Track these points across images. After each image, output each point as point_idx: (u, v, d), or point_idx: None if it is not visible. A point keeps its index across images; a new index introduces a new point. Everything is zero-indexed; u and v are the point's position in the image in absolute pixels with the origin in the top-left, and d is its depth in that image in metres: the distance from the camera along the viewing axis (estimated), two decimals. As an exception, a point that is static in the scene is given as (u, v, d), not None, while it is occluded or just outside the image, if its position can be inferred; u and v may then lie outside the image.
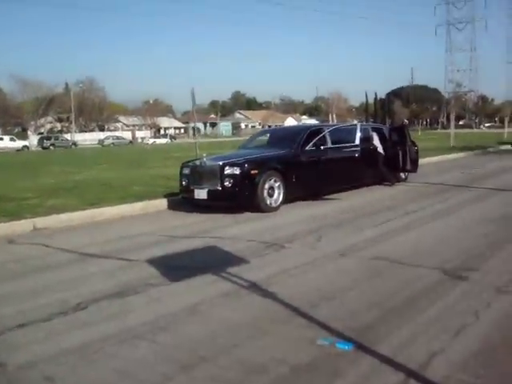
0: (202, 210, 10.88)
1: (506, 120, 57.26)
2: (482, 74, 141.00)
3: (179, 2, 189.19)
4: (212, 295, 5.37)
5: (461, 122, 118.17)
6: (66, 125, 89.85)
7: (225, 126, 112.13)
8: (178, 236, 8.56)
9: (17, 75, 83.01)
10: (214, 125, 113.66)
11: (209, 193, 10.58)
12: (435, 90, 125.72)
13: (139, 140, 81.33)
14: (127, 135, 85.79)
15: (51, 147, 65.13)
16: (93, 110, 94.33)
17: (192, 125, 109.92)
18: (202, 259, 6.98)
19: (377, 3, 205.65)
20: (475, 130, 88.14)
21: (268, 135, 14.27)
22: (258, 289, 5.48)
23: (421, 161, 21.37)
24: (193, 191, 10.86)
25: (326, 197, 12.07)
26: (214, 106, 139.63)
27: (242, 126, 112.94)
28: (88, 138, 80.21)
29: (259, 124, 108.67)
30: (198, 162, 11.14)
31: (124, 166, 24.28)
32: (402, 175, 15.01)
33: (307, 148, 11.74)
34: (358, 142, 12.36)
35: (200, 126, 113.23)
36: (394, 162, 14.26)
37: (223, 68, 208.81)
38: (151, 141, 75.69)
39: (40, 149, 64.91)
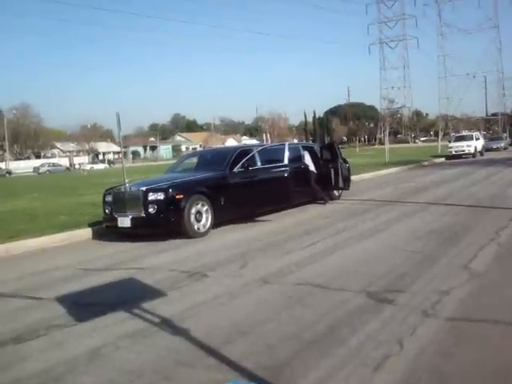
0: (128, 238, 10.37)
1: (440, 134, 58.89)
2: (416, 89, 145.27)
3: (113, 25, 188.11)
4: (118, 336, 4.90)
5: (398, 137, 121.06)
6: (0, 153, 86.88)
7: (165, 149, 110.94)
8: (97, 268, 8.06)
9: None
10: (154, 148, 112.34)
11: (132, 220, 10.09)
12: (371, 107, 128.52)
13: (77, 166, 79.41)
14: (64, 162, 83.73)
15: (-17, 176, 62.81)
16: (28, 137, 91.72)
17: (132, 148, 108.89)
18: (117, 294, 6.50)
19: (310, 23, 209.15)
20: (411, 145, 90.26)
21: (196, 158, 13.88)
22: (170, 326, 5.06)
23: (355, 177, 21.62)
24: (116, 219, 10.34)
25: (258, 218, 11.77)
26: (154, 128, 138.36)
27: (183, 148, 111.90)
28: (23, 166, 77.75)
29: (200, 146, 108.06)
30: (120, 189, 10.63)
31: (55, 194, 23.47)
32: (336, 193, 14.89)
33: (235, 170, 11.41)
34: (286, 161, 12.12)
35: (140, 149, 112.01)
36: (325, 180, 14.12)
37: (162, 91, 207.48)
38: (88, 167, 73.98)
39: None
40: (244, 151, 12.07)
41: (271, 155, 12.70)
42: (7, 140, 79.88)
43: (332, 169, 14.10)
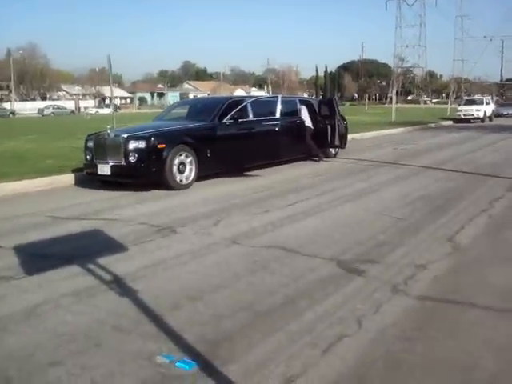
0: (110, 186, 9.97)
1: (452, 96, 57.72)
2: (431, 50, 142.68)
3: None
4: (63, 293, 4.54)
5: (409, 98, 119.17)
6: (6, 93, 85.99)
7: (173, 97, 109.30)
8: (68, 217, 7.67)
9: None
10: (161, 95, 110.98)
11: (112, 168, 9.66)
12: (385, 65, 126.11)
13: (82, 110, 78.62)
14: (70, 105, 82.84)
15: (-13, 116, 62.19)
16: (34, 77, 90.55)
17: (139, 94, 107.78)
18: (77, 246, 6.11)
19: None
20: (421, 106, 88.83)
21: (187, 106, 13.32)
22: (120, 285, 4.69)
23: (356, 135, 21.09)
24: (96, 166, 9.91)
25: (247, 173, 11.32)
26: (163, 75, 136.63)
27: (191, 96, 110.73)
28: (28, 108, 76.92)
29: (208, 95, 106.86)
30: (102, 135, 10.15)
31: (53, 137, 23.01)
32: (332, 151, 14.38)
33: (224, 121, 10.88)
34: (278, 115, 11.56)
35: (147, 95, 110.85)
36: (322, 136, 13.58)
37: (173, 38, 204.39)
38: (94, 111, 73.27)
39: (-26, 116, 61.95)
40: (235, 102, 11.50)
41: (264, 108, 12.14)
42: (13, 80, 78.82)
43: (329, 125, 13.54)
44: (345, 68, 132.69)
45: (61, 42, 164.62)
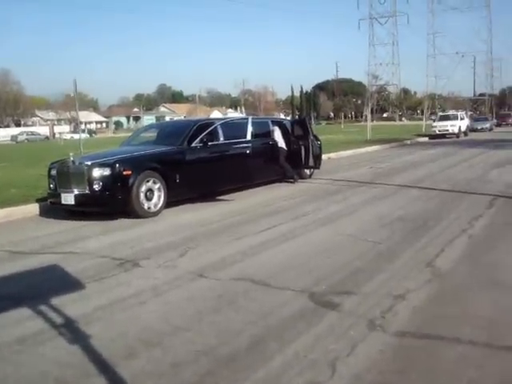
0: (76, 216, 9.50)
1: (426, 112, 58.16)
2: (404, 67, 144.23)
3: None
4: (6, 341, 4.11)
5: (385, 115, 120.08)
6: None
7: (148, 120, 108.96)
8: (24, 251, 7.22)
9: None
10: (137, 118, 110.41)
11: (76, 197, 9.21)
12: (359, 84, 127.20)
13: (57, 135, 77.71)
14: (45, 130, 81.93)
15: (-41, 144, 61.12)
16: (7, 104, 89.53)
17: (115, 118, 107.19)
18: (30, 285, 5.67)
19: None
20: (397, 123, 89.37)
21: (155, 130, 12.94)
22: (72, 330, 4.27)
23: (333, 155, 20.88)
24: (60, 195, 9.45)
25: (219, 197, 10.94)
26: (139, 99, 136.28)
27: (167, 119, 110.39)
28: (2, 135, 75.89)
29: (184, 117, 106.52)
30: (65, 163, 9.70)
31: (22, 164, 22.42)
32: (307, 172, 14.06)
33: (194, 144, 10.50)
34: (249, 137, 11.22)
35: (123, 119, 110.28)
36: (296, 157, 13.28)
37: (149, 61, 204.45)
38: (68, 136, 72.48)
39: None
40: (204, 125, 11.14)
41: (234, 130, 11.78)
42: (-15, 107, 77.94)
43: (302, 146, 13.25)
44: (320, 87, 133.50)
45: (34, 68, 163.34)
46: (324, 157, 19.30)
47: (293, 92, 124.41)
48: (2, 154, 34.97)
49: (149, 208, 9.33)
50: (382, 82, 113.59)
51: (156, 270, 5.93)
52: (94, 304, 4.86)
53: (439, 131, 36.28)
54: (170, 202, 9.80)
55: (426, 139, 35.38)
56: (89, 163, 9.27)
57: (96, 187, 9.04)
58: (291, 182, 13.30)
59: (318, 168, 13.92)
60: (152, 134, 12.51)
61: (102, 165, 9.18)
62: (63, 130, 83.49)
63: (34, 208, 10.53)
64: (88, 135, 77.47)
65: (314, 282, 5.19)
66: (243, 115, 74.74)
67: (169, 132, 11.88)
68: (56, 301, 4.96)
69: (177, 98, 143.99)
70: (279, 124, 13.76)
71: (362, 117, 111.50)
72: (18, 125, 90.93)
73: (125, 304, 4.84)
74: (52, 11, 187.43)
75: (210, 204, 10.41)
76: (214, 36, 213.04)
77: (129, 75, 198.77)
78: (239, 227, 8.05)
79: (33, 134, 73.45)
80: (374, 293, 4.80)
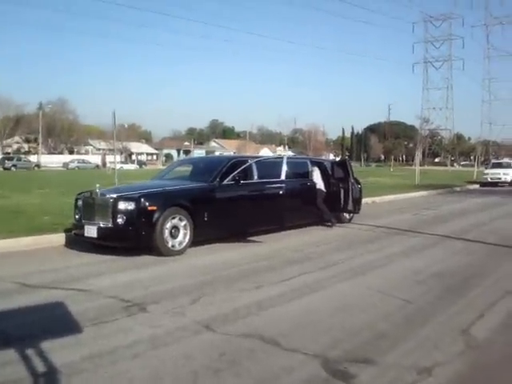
0: (101, 249, 9.18)
1: (479, 159, 56.62)
2: (458, 112, 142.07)
3: (157, 26, 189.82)
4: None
5: (436, 160, 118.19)
6: (34, 146, 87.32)
7: (198, 154, 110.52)
8: (36, 285, 6.89)
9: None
10: (187, 152, 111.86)
11: (99, 230, 8.90)
12: (411, 127, 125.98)
13: (108, 164, 79.12)
14: (96, 159, 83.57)
15: (13, 168, 62.56)
16: (62, 132, 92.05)
17: (165, 151, 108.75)
18: (26, 323, 5.29)
19: (357, 40, 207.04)
20: (448, 168, 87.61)
21: (190, 165, 12.62)
22: (51, 381, 3.84)
23: (377, 198, 20.19)
24: (83, 227, 9.17)
25: (250, 238, 10.46)
26: (191, 133, 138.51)
27: (216, 154, 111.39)
28: (55, 161, 77.71)
29: (234, 153, 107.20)
30: (91, 194, 9.44)
31: (65, 191, 22.53)
32: (346, 216, 13.46)
33: (225, 182, 10.10)
34: (283, 177, 10.76)
35: (173, 152, 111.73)
36: (334, 200, 12.73)
37: (203, 96, 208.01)
38: (118, 166, 73.54)
39: (1, 169, 62.50)
40: (238, 162, 10.73)
41: (269, 169, 11.34)
42: (41, 134, 80.00)
43: (342, 189, 12.71)
44: (371, 129, 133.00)
45: (90, 98, 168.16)
46: (368, 200, 18.78)
47: (343, 132, 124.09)
48: (48, 179, 35.49)
49: (173, 246, 8.93)
50: (432, 126, 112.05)
51: (162, 316, 5.46)
52: (84, 352, 4.42)
53: (491, 179, 35.04)
54: (196, 241, 9.39)
55: (476, 187, 34.22)
56: (114, 196, 8.97)
57: (120, 221, 8.72)
58: (328, 226, 12.72)
59: (357, 212, 13.31)
60: (186, 169, 12.20)
61: (127, 198, 8.87)
62: (114, 160, 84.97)
63: (60, 238, 10.30)
64: (138, 166, 78.71)
65: (331, 344, 4.63)
66: (290, 153, 74.58)
67: (202, 168, 11.54)
68: (46, 344, 4.57)
69: (228, 133, 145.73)
70: (319, 164, 13.28)
71: (412, 160, 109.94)
72: (71, 152, 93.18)
73: (117, 355, 4.38)
74: (109, 44, 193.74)
75: (238, 245, 9.94)
76: (267, 74, 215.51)
77: (183, 109, 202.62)
78: (262, 274, 7.53)
79: (83, 162, 74.89)
80: (397, 364, 4.21)
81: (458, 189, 30.83)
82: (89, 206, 9.27)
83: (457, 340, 4.79)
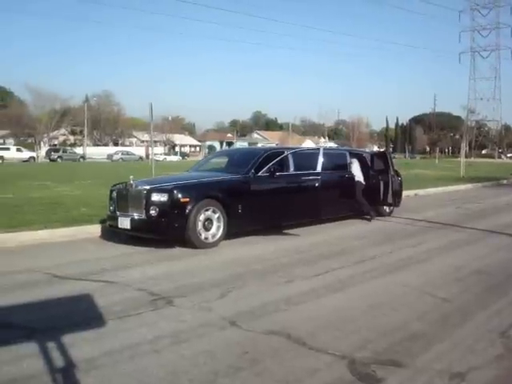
0: (135, 240, 9.15)
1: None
2: (506, 103, 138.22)
3: (201, 18, 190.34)
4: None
5: (483, 151, 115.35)
6: (80, 138, 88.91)
7: (241, 146, 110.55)
8: (66, 276, 6.87)
9: (32, 85, 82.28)
10: (230, 144, 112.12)
11: (132, 222, 8.86)
12: (458, 118, 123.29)
13: (151, 156, 79.85)
14: (140, 151, 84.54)
15: (58, 159, 63.84)
16: (107, 124, 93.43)
17: (208, 143, 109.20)
18: (51, 316, 5.24)
19: (401, 29, 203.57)
20: (496, 160, 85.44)
21: (225, 157, 12.46)
22: (68, 376, 3.80)
23: (420, 191, 19.70)
24: (117, 219, 9.14)
25: (286, 231, 10.27)
26: (234, 125, 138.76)
27: (259, 146, 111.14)
28: (100, 152, 78.91)
29: (276, 144, 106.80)
30: (125, 186, 9.41)
31: (106, 182, 22.76)
32: (386, 209, 13.11)
33: (260, 174, 9.92)
34: (319, 169, 10.48)
35: (216, 144, 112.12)
36: (374, 193, 12.41)
37: (246, 87, 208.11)
38: (161, 157, 74.38)
39: (47, 160, 63.88)
40: (274, 154, 10.50)
41: (305, 161, 11.08)
42: (86, 126, 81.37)
43: (382, 181, 12.38)
44: (416, 120, 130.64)
45: (135, 91, 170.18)
46: (411, 193, 18.36)
47: (388, 124, 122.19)
48: (91, 171, 36.01)
49: (206, 238, 8.81)
50: (479, 117, 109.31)
51: (188, 311, 5.33)
52: (104, 347, 4.34)
53: (540, 171, 33.85)
54: (230, 233, 9.26)
55: (524, 179, 33.10)
56: (147, 187, 8.91)
57: (152, 213, 8.65)
58: (367, 219, 12.42)
59: (398, 206, 12.96)
60: (222, 160, 12.06)
61: (160, 190, 8.79)
62: (157, 152, 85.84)
63: (96, 229, 10.31)
64: (180, 158, 79.28)
65: (360, 344, 4.41)
66: (332, 145, 73.80)
67: (237, 159, 11.37)
68: (68, 338, 4.50)
69: (270, 125, 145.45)
70: (358, 156, 12.96)
71: (458, 152, 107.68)
72: (115, 144, 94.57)
73: (137, 351, 4.27)
74: (156, 38, 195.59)
75: (272, 238, 9.76)
76: (310, 65, 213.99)
77: (226, 101, 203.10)
78: (295, 268, 7.34)
79: (128, 154, 75.86)
80: (428, 368, 3.97)
81: (504, 181, 29.88)
82: (123, 198, 9.24)
83: (495, 343, 4.51)
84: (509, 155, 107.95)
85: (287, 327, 4.81)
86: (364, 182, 12.52)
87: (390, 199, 12.36)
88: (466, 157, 42.34)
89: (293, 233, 10.21)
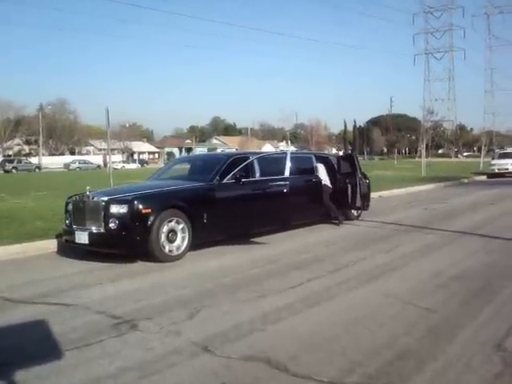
0: (93, 256, 8.55)
1: (483, 150, 55.77)
2: (460, 103, 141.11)
3: (157, 24, 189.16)
4: None
5: (440, 151, 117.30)
6: (35, 147, 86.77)
7: (200, 152, 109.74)
8: (18, 299, 6.31)
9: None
10: (189, 150, 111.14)
11: (90, 236, 8.29)
12: (414, 119, 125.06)
13: (109, 164, 78.50)
14: (98, 159, 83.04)
15: (13, 170, 62.10)
16: (63, 132, 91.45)
17: (167, 149, 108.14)
18: (1, 348, 4.65)
19: (355, 32, 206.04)
20: (453, 160, 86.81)
21: (188, 163, 11.96)
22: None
23: (385, 193, 19.57)
24: (74, 233, 8.55)
25: (254, 239, 9.84)
26: (193, 130, 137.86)
27: (218, 151, 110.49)
28: (56, 162, 77.19)
29: (236, 150, 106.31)
30: (81, 197, 8.82)
31: (62, 193, 21.90)
32: (354, 212, 12.80)
33: (225, 181, 9.46)
34: (287, 173, 10.06)
35: (175, 150, 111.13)
36: (341, 197, 12.09)
37: (204, 93, 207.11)
38: (119, 166, 73.16)
39: (1, 171, 62.01)
40: (239, 159, 10.06)
41: (271, 165, 10.66)
42: (41, 135, 79.48)
43: (349, 184, 12.07)
44: (373, 122, 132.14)
45: (90, 98, 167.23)
46: (375, 195, 18.12)
47: (346, 126, 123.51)
48: (47, 181, 34.95)
49: (170, 251, 8.31)
50: (437, 118, 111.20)
51: (154, 336, 4.83)
52: (58, 387, 3.81)
53: (498, 170, 34.20)
54: (195, 244, 8.78)
55: (483, 178, 33.49)
56: (105, 199, 8.35)
57: (112, 226, 8.10)
58: (336, 224, 12.08)
59: (366, 209, 12.68)
60: (184, 167, 11.56)
61: (119, 201, 8.24)
62: (116, 160, 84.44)
63: (52, 244, 9.72)
64: (139, 165, 78.17)
65: (347, 368, 3.99)
66: (293, 148, 73.78)
67: (200, 166, 10.88)
68: (20, 375, 3.99)
69: (229, 130, 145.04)
70: (324, 160, 12.63)
71: (416, 153, 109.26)
72: (72, 153, 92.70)
73: (98, 390, 3.76)
74: (109, 44, 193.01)
75: (240, 248, 9.31)
76: (267, 70, 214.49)
77: (184, 107, 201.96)
78: (267, 280, 6.90)
79: (85, 163, 74.38)
80: (426, 392, 3.57)
81: (465, 181, 30.14)
82: (79, 210, 8.66)
83: (491, 357, 4.15)
84: (465, 154, 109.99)
85: (266, 350, 4.36)
86: (331, 186, 12.20)
87: (358, 203, 12.05)
88: (425, 157, 42.70)
89: (261, 241, 9.79)
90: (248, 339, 4.68)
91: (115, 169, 63.43)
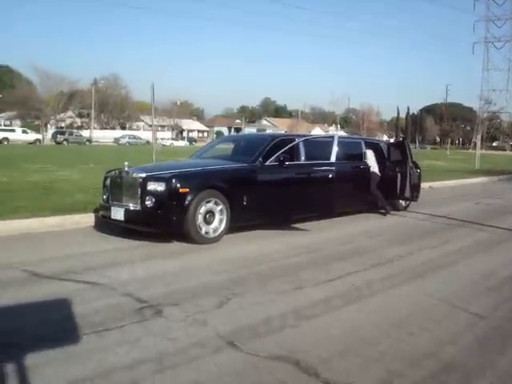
0: (132, 233, 8.34)
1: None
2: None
3: (221, 5, 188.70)
4: None
5: (494, 144, 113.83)
6: (87, 121, 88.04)
7: (249, 132, 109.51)
8: (45, 274, 6.08)
9: (39, 67, 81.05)
10: (238, 130, 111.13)
11: (126, 213, 8.05)
12: (469, 109, 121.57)
13: (159, 141, 79.07)
14: (148, 135, 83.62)
15: (64, 142, 63.09)
16: (115, 107, 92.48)
17: (216, 129, 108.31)
18: (17, 327, 4.42)
19: (414, 18, 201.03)
20: (508, 153, 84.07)
21: (232, 143, 11.58)
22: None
23: (435, 184, 18.82)
24: (110, 209, 8.34)
25: (294, 225, 9.45)
26: (243, 111, 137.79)
27: (267, 132, 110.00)
28: (107, 136, 78.13)
29: (285, 131, 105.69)
30: (119, 173, 8.58)
31: (109, 166, 21.98)
32: (402, 203, 12.24)
33: (268, 163, 9.08)
34: (333, 159, 9.58)
35: (225, 130, 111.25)
36: (390, 186, 11.53)
37: (256, 74, 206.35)
38: (168, 142, 73.57)
39: (53, 143, 63.13)
40: (283, 141, 9.62)
41: (317, 149, 10.14)
42: (93, 109, 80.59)
43: (399, 173, 11.50)
44: (427, 110, 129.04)
45: (144, 75, 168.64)
46: (425, 185, 17.44)
47: (398, 113, 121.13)
48: (96, 154, 35.28)
49: (207, 233, 8.00)
50: (495, 109, 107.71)
51: (179, 324, 4.52)
52: (72, 373, 3.55)
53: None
54: (233, 227, 8.45)
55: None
56: (143, 175, 8.08)
57: (148, 203, 7.83)
58: (382, 214, 11.58)
59: (415, 200, 12.10)
60: (227, 147, 11.20)
61: (156, 179, 7.96)
62: (165, 136, 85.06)
63: (90, 218, 9.54)
64: (188, 143, 78.44)
65: (384, 378, 3.60)
66: (342, 133, 72.71)
67: (243, 146, 10.50)
68: (31, 359, 3.73)
69: (280, 112, 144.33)
70: (374, 146, 12.08)
71: (469, 144, 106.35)
72: (123, 128, 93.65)
73: (110, 380, 3.47)
74: (164, 22, 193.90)
75: (279, 233, 8.94)
76: (321, 53, 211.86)
77: (235, 87, 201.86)
78: (304, 270, 6.51)
79: (134, 138, 75.02)
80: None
81: (521, 175, 28.92)
82: (117, 186, 8.44)
83: (550, 377, 3.68)
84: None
85: (295, 350, 4.00)
86: (380, 174, 11.66)
87: (407, 193, 11.49)
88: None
89: (302, 228, 9.39)
90: (278, 336, 4.32)
91: (164, 145, 64.00)
